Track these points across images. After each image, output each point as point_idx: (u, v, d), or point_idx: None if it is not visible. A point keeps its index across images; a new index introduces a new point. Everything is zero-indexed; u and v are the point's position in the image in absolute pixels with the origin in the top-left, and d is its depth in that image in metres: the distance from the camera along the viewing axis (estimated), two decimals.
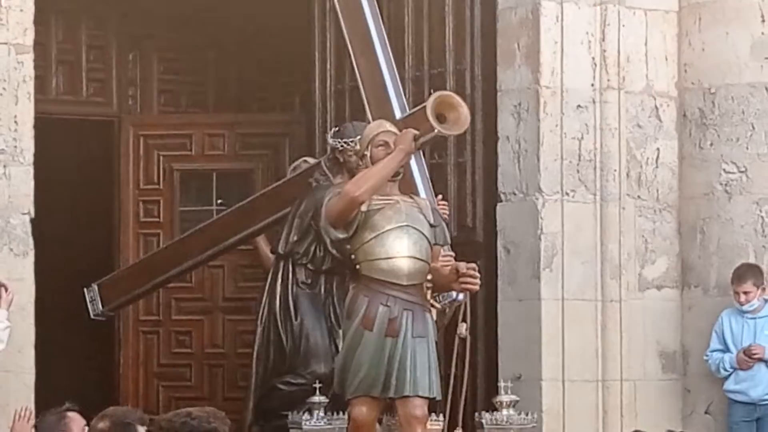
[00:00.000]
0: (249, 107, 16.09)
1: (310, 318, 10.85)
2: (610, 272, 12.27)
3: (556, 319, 12.21)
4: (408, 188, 10.19)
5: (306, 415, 9.81)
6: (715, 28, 12.52)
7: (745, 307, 11.68)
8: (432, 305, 10.04)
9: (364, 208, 9.56)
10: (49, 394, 10.43)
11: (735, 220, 12.41)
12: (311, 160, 11.86)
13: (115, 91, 15.75)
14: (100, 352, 15.36)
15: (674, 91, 12.78)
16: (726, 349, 11.74)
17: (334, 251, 10.34)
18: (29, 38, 11.01)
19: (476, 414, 10.39)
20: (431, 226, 9.84)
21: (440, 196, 11.12)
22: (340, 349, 10.17)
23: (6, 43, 10.80)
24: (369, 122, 10.68)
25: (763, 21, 12.28)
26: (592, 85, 12.71)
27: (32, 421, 9.86)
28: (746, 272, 11.76)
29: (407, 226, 9.64)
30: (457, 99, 10.55)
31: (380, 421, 10.04)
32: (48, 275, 11.69)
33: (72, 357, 14.75)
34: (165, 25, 15.34)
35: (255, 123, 15.46)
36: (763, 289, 11.82)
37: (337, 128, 11.25)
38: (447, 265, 10.03)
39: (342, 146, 10.69)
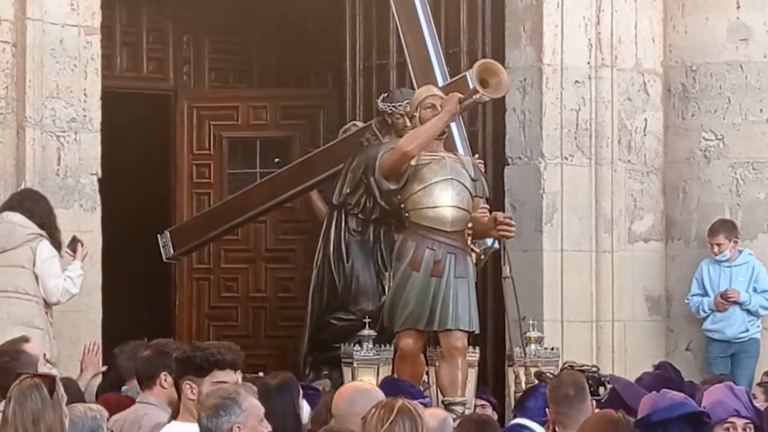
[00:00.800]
0: (288, 83, 16.00)
1: (360, 261, 10.90)
2: (603, 227, 12.38)
3: (555, 267, 12.38)
4: (448, 146, 10.33)
5: (357, 347, 9.83)
6: (696, 13, 12.55)
7: (719, 257, 11.77)
8: (472, 249, 10.29)
9: (413, 162, 9.81)
10: (113, 332, 10.76)
11: (713, 181, 12.49)
12: (360, 124, 11.85)
13: (172, 68, 15.74)
14: (158, 296, 15.39)
15: (660, 69, 12.81)
16: (705, 294, 11.86)
17: (382, 202, 10.43)
18: (97, 21, 11.07)
19: (507, 348, 10.49)
20: (472, 179, 10.04)
21: (477, 155, 11.14)
22: (386, 289, 10.60)
23: (77, 26, 10.90)
24: (414, 89, 10.81)
25: (739, 7, 12.27)
26: (588, 63, 12.79)
27: (99, 354, 10.08)
28: (720, 227, 11.84)
29: (451, 179, 9.87)
30: (499, 66, 10.74)
31: (424, 353, 10.18)
32: (113, 228, 11.79)
33: (133, 300, 14.74)
34: (214, 10, 15.23)
35: (293, 96, 15.45)
36: (736, 242, 11.90)
37: (386, 94, 11.24)
38: (485, 215, 10.27)
39: (391, 110, 10.68)
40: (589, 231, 12.47)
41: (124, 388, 8.58)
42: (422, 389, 9.38)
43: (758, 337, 11.96)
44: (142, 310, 14.58)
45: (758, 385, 10.58)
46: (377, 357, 9.83)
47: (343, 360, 10.01)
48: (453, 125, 10.48)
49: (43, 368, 7.94)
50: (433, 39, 11.33)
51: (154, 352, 7.95)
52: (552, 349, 10.57)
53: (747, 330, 11.85)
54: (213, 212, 13.14)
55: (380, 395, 7.03)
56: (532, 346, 10.15)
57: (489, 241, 10.69)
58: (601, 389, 8.39)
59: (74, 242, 10.46)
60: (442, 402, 9.75)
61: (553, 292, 12.42)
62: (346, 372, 9.93)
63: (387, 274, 10.78)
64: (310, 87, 15.82)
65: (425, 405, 7.50)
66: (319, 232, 12.75)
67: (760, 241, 12.45)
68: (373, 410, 6.50)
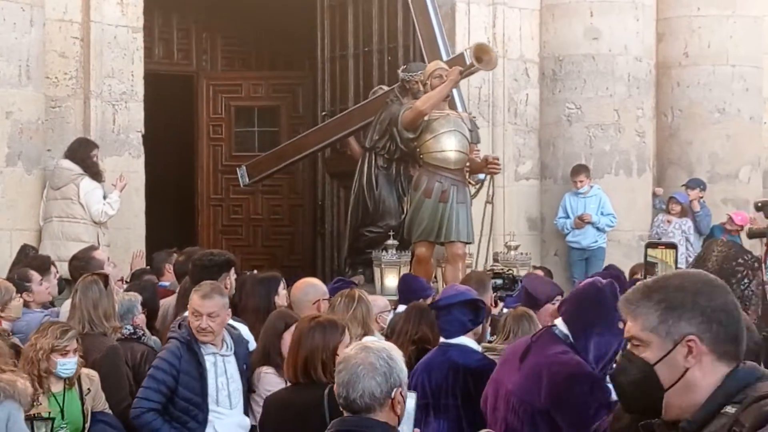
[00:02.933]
0: (277, 67, 15.95)
1: (386, 189, 10.78)
2: None
3: None
4: (451, 105, 10.27)
5: (383, 252, 9.82)
6: (562, 20, 12.38)
7: (580, 191, 11.69)
8: (469, 182, 10.24)
9: (426, 118, 9.73)
10: (154, 243, 10.87)
11: (574, 138, 12.35)
12: (385, 87, 11.59)
13: (195, 57, 15.71)
14: (186, 217, 15.43)
15: (537, 59, 12.56)
16: (567, 216, 11.83)
17: (402, 146, 10.30)
18: (140, 23, 11.11)
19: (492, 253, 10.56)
20: (469, 130, 10.00)
21: (470, 113, 11.03)
22: (404, 209, 10.44)
23: (126, 26, 10.89)
24: (424, 62, 10.70)
25: (592, 16, 12.12)
26: None
27: (144, 258, 10.21)
28: (581, 169, 11.72)
29: (455, 130, 9.82)
30: (489, 46, 10.83)
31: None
32: (154, 170, 11.83)
33: (168, 220, 14.66)
34: (225, 15, 15.15)
35: (280, 77, 15.45)
36: (589, 180, 11.82)
37: (404, 66, 11.02)
38: (478, 157, 10.25)
39: (408, 78, 10.48)
40: None
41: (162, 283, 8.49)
42: (431, 284, 9.30)
43: (605, 246, 11.86)
44: (174, 227, 14.61)
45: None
46: (398, 260, 9.85)
47: (374, 262, 9.99)
48: (454, 90, 10.44)
49: (108, 269, 7.95)
50: (439, 23, 11.22)
51: (185, 257, 8.03)
52: (525, 254, 10.59)
53: (596, 241, 11.77)
54: (279, 151, 12.87)
55: (324, 288, 6.95)
56: (511, 252, 10.20)
57: (481, 176, 10.62)
58: (516, 286, 8.24)
59: (118, 181, 10.37)
60: None
61: None
62: (376, 271, 10.00)
63: (405, 198, 10.61)
64: (293, 70, 15.65)
65: (432, 297, 7.76)
66: (301, 180, 14.08)
67: (605, 180, 12.22)
68: (339, 298, 6.30)
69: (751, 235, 7.12)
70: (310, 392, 4.73)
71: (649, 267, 3.58)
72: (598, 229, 11.75)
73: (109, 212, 10.02)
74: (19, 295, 7.13)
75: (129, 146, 11.00)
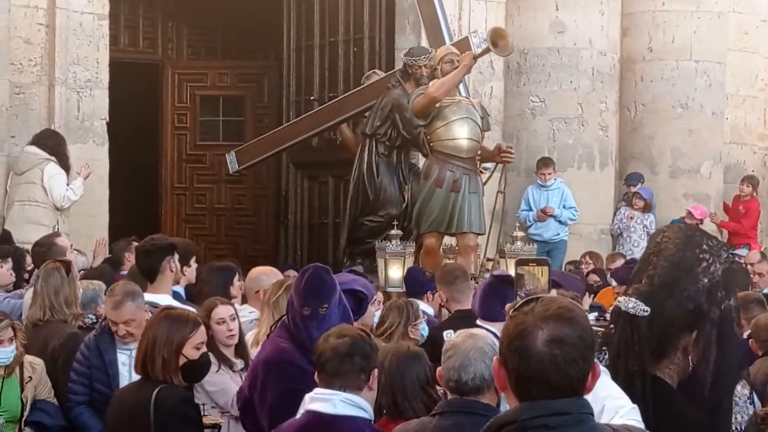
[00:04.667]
0: (242, 56, 15.90)
1: (387, 177, 10.57)
2: None
3: None
4: (453, 91, 10.01)
5: (388, 243, 9.36)
6: (527, 13, 12.44)
7: (546, 183, 11.76)
8: (481, 171, 10.03)
9: (438, 104, 9.48)
10: (118, 230, 10.93)
11: (537, 131, 12.42)
12: (380, 72, 11.46)
13: (160, 45, 15.71)
14: (149, 205, 15.41)
15: None
16: (530, 209, 11.86)
17: (405, 133, 10.13)
18: (106, 10, 11.17)
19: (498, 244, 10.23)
20: (481, 117, 9.78)
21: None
22: (405, 198, 10.42)
23: (92, 13, 10.94)
24: (426, 47, 10.63)
25: (557, 10, 12.20)
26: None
27: (106, 246, 10.04)
28: (547, 162, 11.80)
29: (467, 117, 9.57)
30: (506, 32, 10.60)
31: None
32: (117, 158, 11.79)
33: (131, 208, 14.58)
34: (191, 5, 15.17)
35: (245, 67, 15.46)
36: (555, 173, 11.87)
37: (407, 50, 10.82)
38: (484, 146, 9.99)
39: (412, 62, 10.23)
40: None
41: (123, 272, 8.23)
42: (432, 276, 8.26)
43: (566, 239, 11.97)
44: (138, 216, 14.29)
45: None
46: (403, 251, 9.43)
47: (378, 252, 9.62)
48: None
49: (71, 256, 7.87)
50: (442, 9, 11.06)
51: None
52: (531, 244, 10.35)
53: (558, 234, 11.87)
54: (269, 138, 12.64)
55: (279, 275, 6.91)
56: (518, 243, 9.76)
57: (488, 165, 10.44)
58: None
59: (82, 169, 10.46)
60: None
61: None
62: (380, 261, 9.62)
63: (406, 187, 10.58)
64: (258, 60, 15.69)
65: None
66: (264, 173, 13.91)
67: (568, 173, 12.32)
68: (275, 287, 6.07)
69: None
70: (142, 390, 4.49)
71: (519, 278, 3.68)
72: (560, 222, 11.80)
73: (72, 197, 10.09)
74: None
75: (93, 134, 11.01)
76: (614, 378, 3.09)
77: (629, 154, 13.26)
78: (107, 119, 11.10)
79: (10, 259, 8.07)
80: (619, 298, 3.37)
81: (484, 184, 10.06)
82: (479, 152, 9.88)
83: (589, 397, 2.24)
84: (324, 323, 4.54)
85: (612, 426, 2.40)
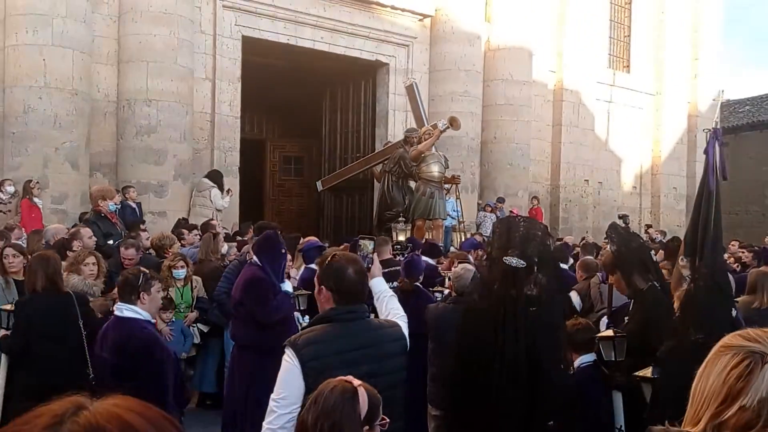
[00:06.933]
0: (303, 135, 18.71)
1: (396, 191, 12.69)
2: None
3: None
4: (430, 149, 12.05)
5: (398, 223, 11.89)
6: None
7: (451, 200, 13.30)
8: (446, 189, 12.52)
9: (423, 155, 11.72)
10: (243, 219, 12.95)
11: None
12: (392, 140, 14.01)
13: (265, 131, 19.06)
14: (257, 208, 17.83)
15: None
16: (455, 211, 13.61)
17: (405, 170, 12.17)
18: (237, 113, 13.76)
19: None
20: (444, 160, 12.18)
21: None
22: (406, 202, 12.58)
23: (232, 116, 13.68)
24: (414, 128, 12.80)
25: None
26: None
27: (236, 226, 11.60)
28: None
29: (437, 161, 12.03)
30: (457, 117, 12.77)
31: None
32: (242, 185, 14.15)
33: (248, 210, 16.03)
34: (276, 106, 18.47)
35: (304, 140, 18.63)
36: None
37: (407, 129, 13.02)
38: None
39: (410, 135, 12.43)
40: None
41: None
42: (422, 240, 10.25)
43: (449, 226, 13.77)
44: (249, 213, 15.73)
45: None
46: (405, 227, 12.05)
47: (392, 228, 12.14)
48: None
49: (220, 230, 9.55)
50: (422, 104, 13.44)
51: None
52: (470, 223, 12.74)
53: (450, 224, 13.55)
54: (340, 171, 15.54)
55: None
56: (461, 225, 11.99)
57: (447, 186, 12.89)
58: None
59: (228, 191, 12.92)
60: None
61: None
62: (394, 233, 11.94)
63: (407, 196, 12.49)
64: (309, 138, 18.99)
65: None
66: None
67: (463, 194, 14.83)
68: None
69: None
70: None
71: (364, 246, 4.00)
72: (451, 218, 14.17)
73: (224, 205, 12.95)
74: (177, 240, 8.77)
75: (232, 174, 14.13)
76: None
77: (484, 186, 17.61)
78: (239, 165, 14.11)
79: (196, 230, 10.18)
80: (504, 258, 3.87)
81: (447, 193, 12.87)
82: (444, 178, 12.53)
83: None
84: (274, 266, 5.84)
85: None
